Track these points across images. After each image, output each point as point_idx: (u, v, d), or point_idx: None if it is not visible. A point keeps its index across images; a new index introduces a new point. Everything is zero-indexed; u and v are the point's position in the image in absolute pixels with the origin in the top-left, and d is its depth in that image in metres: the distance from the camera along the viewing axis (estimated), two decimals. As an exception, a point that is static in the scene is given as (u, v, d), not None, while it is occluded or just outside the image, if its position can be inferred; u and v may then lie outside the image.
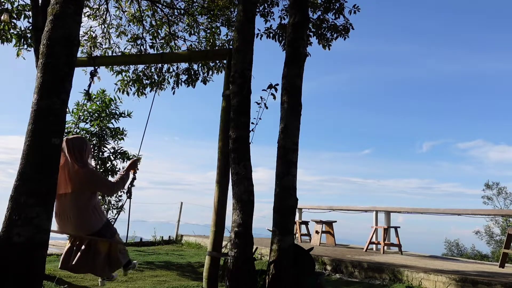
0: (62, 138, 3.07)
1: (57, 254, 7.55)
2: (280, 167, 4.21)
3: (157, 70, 7.93)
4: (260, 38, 6.86)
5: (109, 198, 7.97)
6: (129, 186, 3.71)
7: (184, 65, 7.92)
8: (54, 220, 3.22)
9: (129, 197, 3.70)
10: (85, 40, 7.96)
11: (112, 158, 8.06)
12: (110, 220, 3.70)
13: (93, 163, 3.57)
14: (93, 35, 8.04)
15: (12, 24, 6.32)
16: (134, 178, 3.77)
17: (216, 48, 7.93)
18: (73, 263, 3.46)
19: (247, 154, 4.12)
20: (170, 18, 8.15)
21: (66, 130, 7.59)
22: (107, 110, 8.14)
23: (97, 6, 7.95)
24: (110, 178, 3.53)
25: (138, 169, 3.83)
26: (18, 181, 2.88)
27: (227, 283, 3.84)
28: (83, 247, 3.50)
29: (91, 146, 3.50)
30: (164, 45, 8.17)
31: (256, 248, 5.08)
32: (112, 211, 8.08)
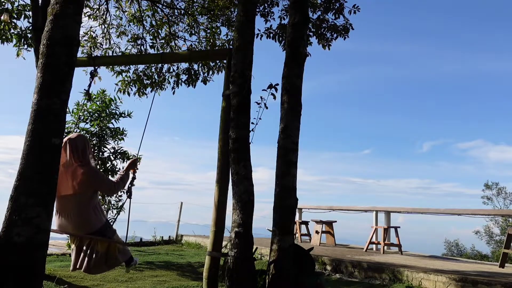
0: (62, 138, 3.08)
1: (57, 254, 7.55)
2: (280, 167, 4.21)
3: (158, 70, 7.93)
4: (260, 38, 6.86)
5: (109, 198, 7.98)
6: (129, 186, 3.74)
7: (184, 65, 7.92)
8: (54, 219, 3.31)
9: (129, 196, 3.71)
10: (85, 40, 7.96)
11: (112, 158, 8.07)
12: (110, 220, 3.76)
13: (93, 162, 3.62)
14: (93, 35, 8.04)
15: (12, 24, 6.32)
16: (134, 178, 3.80)
17: (216, 48, 7.93)
18: (83, 265, 3.53)
19: (247, 154, 4.12)
20: (170, 18, 8.14)
21: (66, 130, 7.61)
22: (107, 110, 8.14)
23: (97, 6, 7.94)
24: (110, 178, 3.60)
25: (137, 169, 3.86)
26: (18, 181, 2.87)
27: (227, 283, 3.84)
28: (84, 247, 3.55)
29: (91, 144, 3.56)
30: (164, 45, 8.16)
31: (256, 248, 5.08)
32: (112, 211, 8.09)
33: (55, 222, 3.51)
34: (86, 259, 3.53)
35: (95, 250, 3.55)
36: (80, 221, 3.45)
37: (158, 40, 8.07)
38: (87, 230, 3.48)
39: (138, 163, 3.88)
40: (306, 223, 11.37)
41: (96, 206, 3.53)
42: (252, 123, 4.27)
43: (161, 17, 8.15)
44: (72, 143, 3.50)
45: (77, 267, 3.58)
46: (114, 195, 7.84)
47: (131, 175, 3.80)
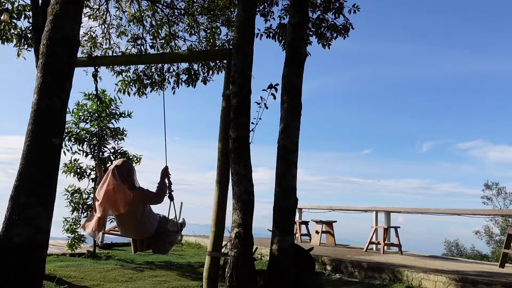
0: (62, 138, 3.09)
1: (57, 254, 7.55)
2: (280, 167, 4.21)
3: (158, 70, 7.92)
4: (260, 38, 6.86)
5: None
6: (169, 191, 4.21)
7: (184, 65, 7.92)
8: (118, 228, 4.21)
9: (172, 200, 4.21)
10: (85, 40, 7.95)
11: (112, 158, 8.06)
12: (161, 216, 4.30)
13: (138, 180, 4.12)
14: (93, 35, 8.03)
15: (13, 24, 6.31)
16: (170, 183, 4.24)
17: (216, 48, 7.93)
18: (143, 248, 4.43)
19: (247, 154, 4.12)
20: (170, 18, 8.14)
21: (66, 130, 7.61)
22: (107, 110, 8.14)
23: (97, 6, 7.94)
24: (152, 191, 4.13)
25: (170, 175, 4.27)
26: (18, 181, 2.88)
27: (227, 283, 3.84)
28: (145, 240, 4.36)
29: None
30: (165, 45, 8.16)
31: (256, 248, 5.07)
32: None
33: (120, 231, 4.20)
34: (153, 245, 4.34)
35: (157, 241, 4.28)
36: (139, 231, 4.11)
37: (158, 40, 8.06)
38: (147, 236, 4.15)
39: (168, 170, 4.28)
40: (306, 223, 11.36)
41: (148, 214, 4.08)
42: (252, 123, 4.28)
43: (161, 17, 8.15)
44: (119, 170, 3.94)
45: (139, 250, 4.44)
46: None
47: (167, 182, 4.22)
